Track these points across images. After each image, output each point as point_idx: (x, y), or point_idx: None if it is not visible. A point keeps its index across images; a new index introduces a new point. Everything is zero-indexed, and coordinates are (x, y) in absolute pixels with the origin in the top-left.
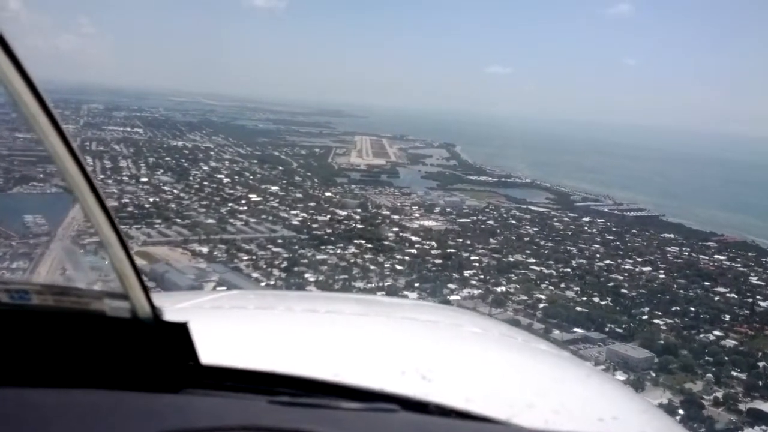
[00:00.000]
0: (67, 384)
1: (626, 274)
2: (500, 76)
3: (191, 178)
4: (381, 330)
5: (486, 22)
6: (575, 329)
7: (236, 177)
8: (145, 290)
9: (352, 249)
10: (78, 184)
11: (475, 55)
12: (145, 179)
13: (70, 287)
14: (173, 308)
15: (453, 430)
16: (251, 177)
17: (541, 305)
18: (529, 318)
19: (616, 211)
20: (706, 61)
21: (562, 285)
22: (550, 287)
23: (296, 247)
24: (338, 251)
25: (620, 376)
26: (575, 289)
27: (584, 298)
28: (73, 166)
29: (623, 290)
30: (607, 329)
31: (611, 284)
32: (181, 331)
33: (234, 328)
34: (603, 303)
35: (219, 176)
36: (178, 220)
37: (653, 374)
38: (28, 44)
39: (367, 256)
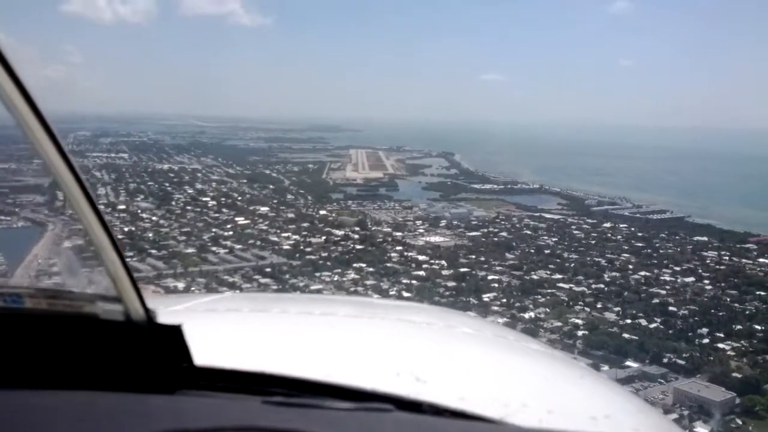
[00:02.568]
0: (61, 386)
1: (668, 288)
2: (496, 83)
3: (173, 202)
4: (375, 331)
5: (478, 30)
6: (627, 363)
7: (223, 199)
8: (139, 293)
9: (352, 274)
10: (70, 189)
11: (469, 63)
12: (122, 206)
13: (63, 290)
14: (167, 311)
15: (447, 430)
16: (239, 198)
17: (579, 333)
18: (569, 350)
19: (638, 215)
20: (704, 56)
21: (599, 305)
22: (585, 309)
23: (287, 276)
24: (336, 278)
25: (701, 429)
26: (615, 309)
27: (628, 321)
28: (66, 172)
29: (670, 308)
30: (665, 360)
31: (655, 301)
32: (175, 333)
33: (228, 330)
34: (652, 326)
35: (204, 199)
36: (154, 252)
37: (739, 421)
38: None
39: (369, 282)
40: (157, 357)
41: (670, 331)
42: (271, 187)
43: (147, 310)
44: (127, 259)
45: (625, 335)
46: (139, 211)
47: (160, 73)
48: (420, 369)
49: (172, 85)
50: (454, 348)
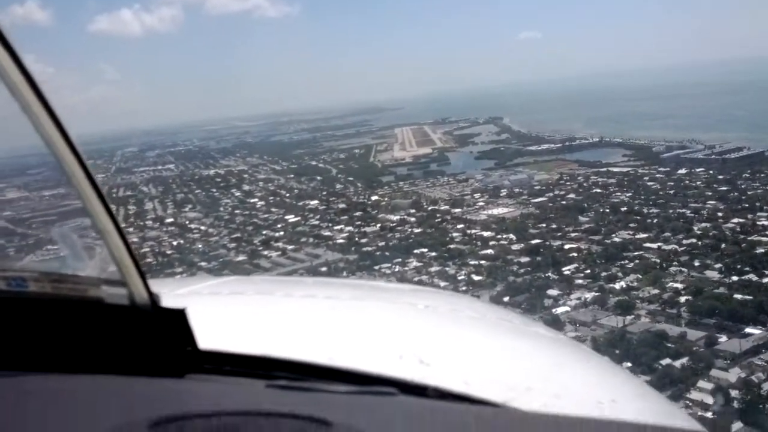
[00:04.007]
0: (66, 370)
1: None
2: (534, 41)
3: (221, 208)
4: (379, 315)
5: None
6: (748, 329)
7: (271, 198)
8: (143, 277)
9: (414, 262)
10: (75, 174)
11: (503, 25)
12: (170, 219)
13: (67, 274)
14: (171, 294)
15: (451, 413)
16: (287, 195)
17: (682, 299)
18: (674, 321)
19: (713, 156)
20: None
21: (696, 263)
22: (682, 269)
23: (345, 274)
24: (397, 269)
25: None
26: (716, 266)
27: (734, 278)
28: (71, 157)
29: None
30: None
31: (759, 251)
32: (179, 317)
33: (232, 314)
34: (765, 281)
35: (252, 200)
36: (204, 264)
37: None
38: (64, 103)
39: (433, 269)
40: (161, 341)
41: None
42: (318, 178)
43: (151, 294)
44: (131, 243)
45: (737, 296)
46: (187, 222)
47: (197, 79)
48: (424, 352)
49: (210, 90)
50: (458, 331)
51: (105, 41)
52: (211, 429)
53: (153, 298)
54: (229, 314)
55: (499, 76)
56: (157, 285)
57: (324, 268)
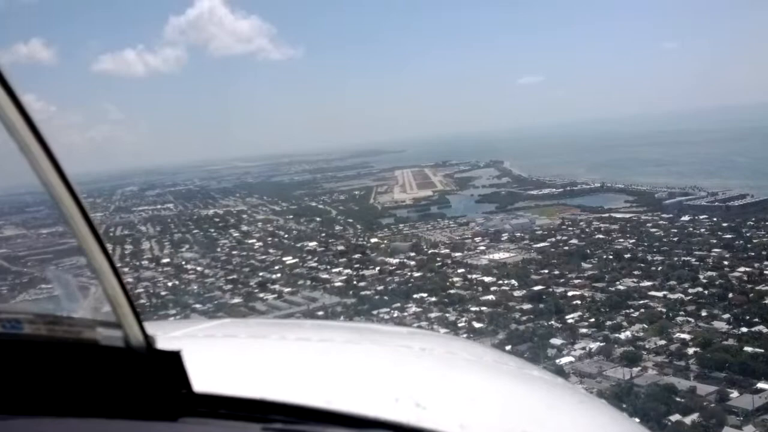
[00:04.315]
0: (61, 413)
1: None
2: (533, 85)
3: (219, 249)
4: (374, 357)
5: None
6: (760, 384)
7: (269, 239)
8: (138, 319)
9: (413, 307)
10: (71, 213)
11: (503, 70)
12: (166, 260)
13: (62, 316)
14: (166, 337)
15: None
16: (286, 236)
17: (690, 350)
18: (683, 374)
19: (716, 203)
20: (739, 30)
21: (703, 313)
22: (689, 319)
23: (342, 318)
24: (395, 314)
25: None
26: (723, 317)
27: (743, 329)
28: (67, 195)
29: None
30: None
31: None
32: (174, 359)
33: (227, 357)
34: None
35: (250, 241)
36: (198, 306)
37: None
38: (66, 142)
39: (432, 315)
40: (156, 383)
41: None
42: (318, 219)
43: (146, 336)
44: (127, 284)
45: (747, 348)
46: (183, 262)
47: (200, 120)
48: (420, 395)
49: (212, 130)
50: (454, 374)
51: (108, 81)
52: None
53: (148, 340)
54: (224, 357)
55: (500, 120)
56: (152, 327)
57: (321, 312)
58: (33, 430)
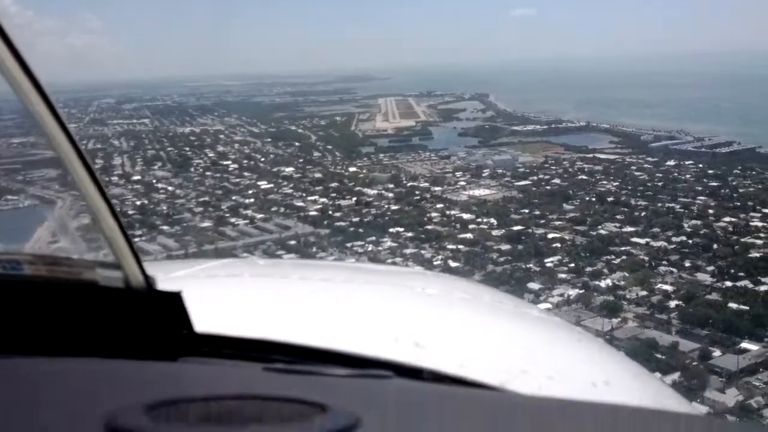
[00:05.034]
0: (60, 353)
1: (763, 236)
2: (526, 18)
3: (192, 169)
4: (374, 297)
5: None
6: (744, 344)
7: (245, 161)
8: (138, 259)
9: (388, 242)
10: (68, 155)
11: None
12: (137, 177)
13: (62, 257)
14: (167, 277)
15: (447, 396)
16: (263, 159)
17: (672, 303)
18: (664, 328)
19: (702, 149)
20: None
21: (687, 264)
22: (672, 270)
23: (314, 249)
24: (370, 248)
25: None
26: (708, 269)
27: (728, 283)
28: (62, 137)
29: None
30: None
31: (754, 256)
32: (174, 300)
33: (228, 297)
34: (761, 289)
35: (225, 163)
36: (166, 228)
37: None
38: (43, 49)
39: (408, 251)
40: (157, 324)
41: None
42: (296, 144)
43: (146, 277)
44: (125, 226)
45: (732, 305)
46: (154, 180)
47: (181, 35)
48: (419, 335)
49: (194, 47)
50: (452, 314)
51: None
52: (207, 413)
53: (148, 280)
54: (225, 297)
55: (490, 52)
56: (153, 268)
57: (293, 242)
58: (32, 369)
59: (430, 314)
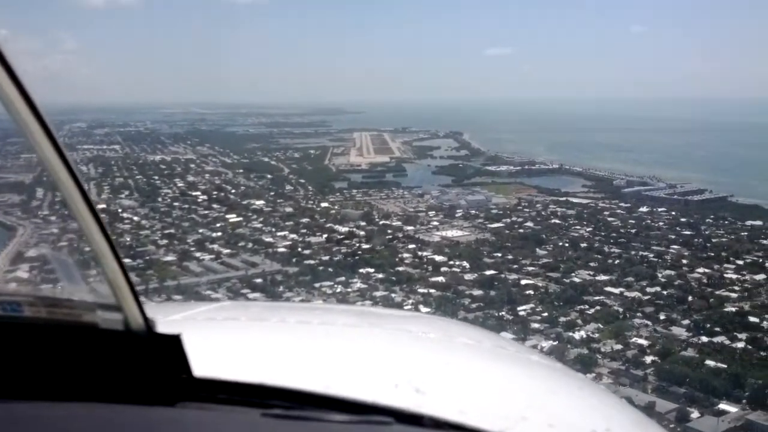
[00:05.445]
0: (60, 397)
1: (738, 289)
2: (501, 57)
3: (160, 199)
4: (374, 342)
5: (480, 3)
6: (722, 405)
7: (215, 193)
8: (138, 302)
9: (358, 283)
10: (71, 194)
11: (471, 39)
12: (102, 206)
13: (62, 299)
14: (166, 320)
15: None
16: (233, 191)
17: (648, 359)
18: (639, 386)
19: (675, 196)
20: (711, 24)
21: (661, 316)
22: (646, 322)
23: (281, 288)
24: (339, 288)
25: None
26: (683, 322)
27: (704, 338)
28: (67, 176)
29: (751, 318)
30: None
31: (729, 310)
32: (174, 343)
33: (227, 340)
34: (737, 346)
35: (195, 193)
36: (127, 261)
37: None
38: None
39: (378, 293)
40: (156, 367)
41: (762, 353)
42: (269, 176)
43: (146, 319)
44: (127, 267)
45: (709, 362)
46: (119, 210)
47: (158, 59)
48: (419, 380)
49: (171, 73)
50: (453, 359)
51: (66, 9)
52: None
53: (148, 323)
54: (224, 340)
55: (464, 90)
56: (152, 310)
57: (259, 280)
58: (32, 414)
59: (431, 359)
